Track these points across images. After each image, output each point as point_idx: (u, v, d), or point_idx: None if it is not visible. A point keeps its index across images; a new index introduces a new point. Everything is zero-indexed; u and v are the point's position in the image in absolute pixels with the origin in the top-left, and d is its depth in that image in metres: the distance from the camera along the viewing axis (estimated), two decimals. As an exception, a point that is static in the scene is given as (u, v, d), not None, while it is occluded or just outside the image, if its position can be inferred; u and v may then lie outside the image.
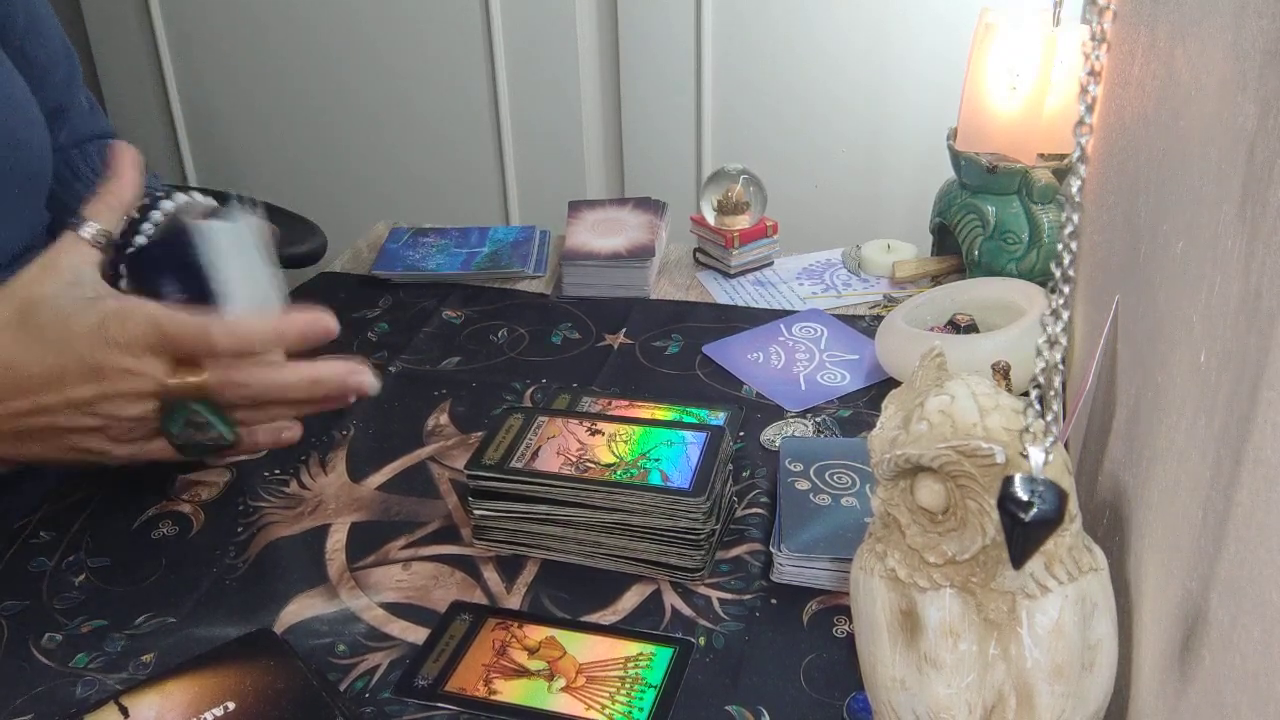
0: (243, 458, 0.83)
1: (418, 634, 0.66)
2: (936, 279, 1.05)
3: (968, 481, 0.44)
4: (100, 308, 0.65)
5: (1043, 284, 0.91)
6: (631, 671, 0.62)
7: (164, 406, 0.65)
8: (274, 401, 0.69)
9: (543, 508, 0.70)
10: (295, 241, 1.58)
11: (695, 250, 1.12)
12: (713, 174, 1.11)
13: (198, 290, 0.70)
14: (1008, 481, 0.38)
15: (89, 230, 0.68)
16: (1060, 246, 0.38)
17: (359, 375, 0.70)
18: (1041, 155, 0.97)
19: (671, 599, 0.68)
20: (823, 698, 0.61)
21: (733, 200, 1.08)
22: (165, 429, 0.66)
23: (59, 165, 0.93)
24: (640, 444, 0.73)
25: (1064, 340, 0.39)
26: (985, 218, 0.98)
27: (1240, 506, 0.35)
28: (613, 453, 0.72)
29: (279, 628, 0.67)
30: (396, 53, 1.97)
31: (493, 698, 0.61)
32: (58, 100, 0.91)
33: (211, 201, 0.79)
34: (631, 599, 0.68)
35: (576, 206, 1.16)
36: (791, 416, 0.86)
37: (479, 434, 0.85)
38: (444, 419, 0.88)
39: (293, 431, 0.72)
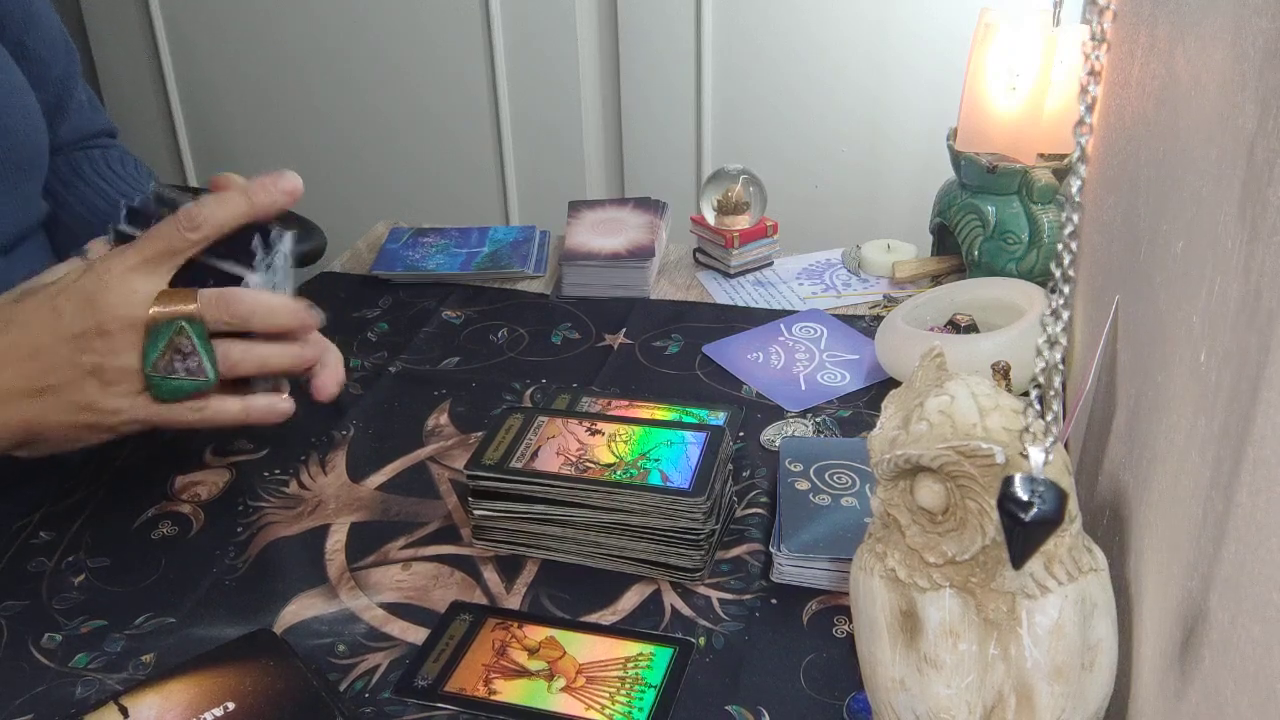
0: (241, 457, 0.83)
1: (418, 634, 0.66)
2: (936, 279, 1.05)
3: (968, 482, 0.44)
4: (89, 263, 0.67)
5: (1043, 284, 0.91)
6: (631, 672, 0.62)
7: (149, 329, 0.65)
8: (258, 333, 0.69)
9: (542, 508, 0.70)
10: (295, 241, 1.58)
11: (695, 250, 1.12)
12: (713, 174, 1.11)
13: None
14: (1008, 481, 0.38)
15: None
16: (1060, 246, 0.38)
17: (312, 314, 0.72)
18: (1041, 155, 0.97)
19: (671, 599, 0.68)
20: (823, 698, 0.61)
21: (733, 200, 1.08)
22: (145, 357, 0.66)
23: (61, 164, 0.93)
24: (640, 444, 0.73)
25: (1064, 340, 0.39)
26: (985, 218, 0.98)
27: (1240, 506, 0.35)
28: (612, 453, 0.72)
29: (279, 628, 0.67)
30: (396, 53, 1.97)
31: (493, 698, 0.61)
32: (57, 94, 0.91)
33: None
34: (631, 599, 0.68)
35: (576, 206, 1.16)
36: (791, 416, 0.86)
37: (479, 434, 0.85)
38: (444, 419, 0.88)
39: (287, 404, 0.73)
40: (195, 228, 0.67)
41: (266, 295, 0.70)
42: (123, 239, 0.70)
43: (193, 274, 0.69)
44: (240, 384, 0.73)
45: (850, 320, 1.00)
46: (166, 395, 0.67)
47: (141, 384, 0.67)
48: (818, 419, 0.86)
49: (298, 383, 0.77)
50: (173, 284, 0.68)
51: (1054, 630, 0.44)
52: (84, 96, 0.96)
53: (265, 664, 0.62)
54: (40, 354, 0.66)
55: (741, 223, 1.08)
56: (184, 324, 0.66)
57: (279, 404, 0.73)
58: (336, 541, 0.74)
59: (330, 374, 0.77)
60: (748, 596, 0.68)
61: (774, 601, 0.68)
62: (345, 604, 0.69)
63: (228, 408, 0.70)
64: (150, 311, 0.65)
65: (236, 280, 0.70)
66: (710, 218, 1.09)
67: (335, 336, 0.77)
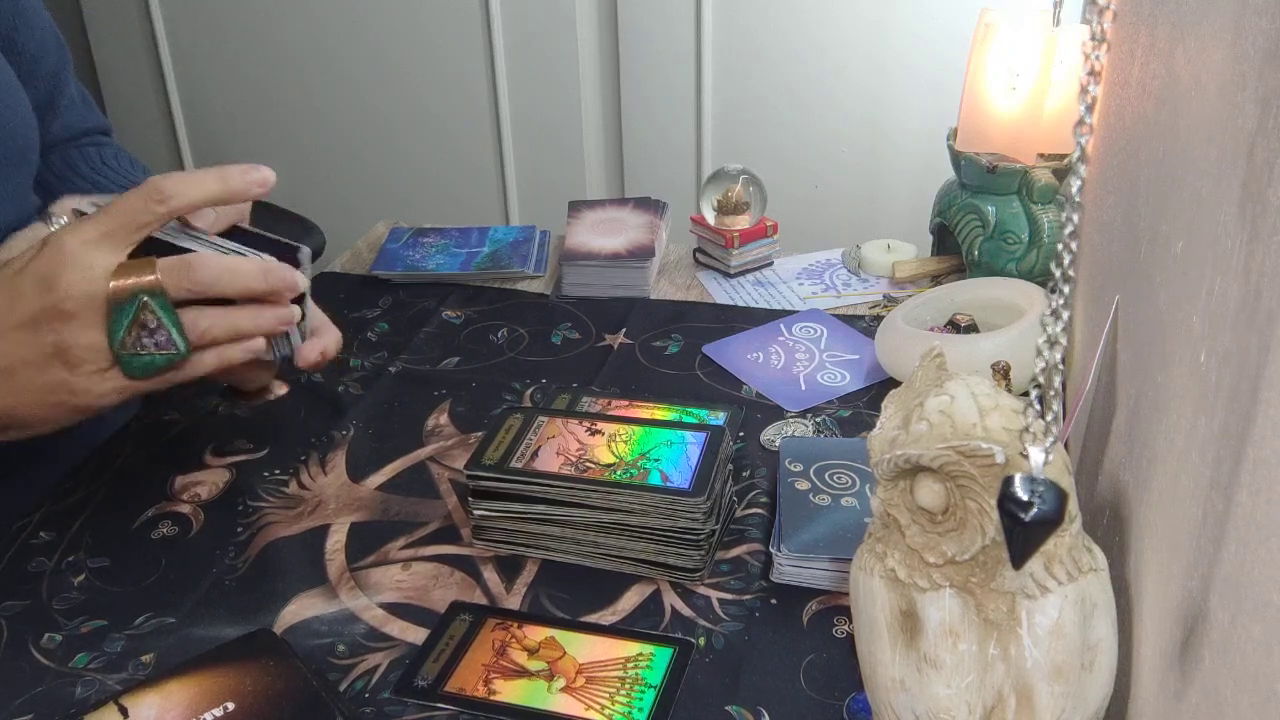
0: (241, 457, 0.83)
1: (417, 634, 0.66)
2: (936, 279, 1.05)
3: (968, 482, 0.44)
4: (46, 239, 0.65)
5: (1043, 284, 0.91)
6: (631, 672, 0.62)
7: (111, 307, 0.63)
8: (226, 297, 0.66)
9: (542, 508, 0.70)
10: (292, 240, 1.58)
11: (695, 250, 1.12)
12: (713, 174, 1.11)
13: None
14: (1008, 481, 0.38)
15: (58, 223, 0.68)
16: (1060, 246, 0.38)
17: (295, 273, 0.69)
18: (1041, 155, 0.97)
19: (671, 599, 0.68)
20: (823, 698, 0.61)
21: (733, 200, 1.08)
22: (111, 336, 0.64)
23: (56, 160, 0.93)
24: (640, 444, 0.73)
25: (1064, 340, 0.39)
26: (985, 218, 0.98)
27: (1240, 506, 0.35)
28: (612, 453, 0.72)
29: (279, 628, 0.67)
30: (397, 53, 1.97)
31: (492, 698, 0.61)
32: (48, 91, 0.91)
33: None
34: (631, 599, 0.68)
35: (576, 206, 1.16)
36: (791, 416, 0.86)
37: (479, 434, 0.85)
38: (444, 419, 0.88)
39: (283, 387, 0.72)
40: (162, 200, 0.64)
41: (230, 258, 0.67)
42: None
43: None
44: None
45: (850, 320, 1.00)
46: (139, 373, 0.65)
47: (110, 360, 0.64)
48: (818, 419, 0.86)
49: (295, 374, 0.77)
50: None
51: (1054, 630, 0.44)
52: (76, 94, 0.96)
53: (265, 664, 0.62)
54: (1, 336, 0.64)
55: (741, 223, 1.08)
56: (145, 297, 0.63)
57: (255, 343, 0.69)
58: (336, 541, 0.74)
59: (315, 343, 0.74)
60: (748, 596, 0.68)
61: (774, 601, 0.68)
62: (345, 604, 0.69)
63: (205, 359, 0.68)
64: (110, 286, 0.63)
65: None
66: (710, 218, 1.09)
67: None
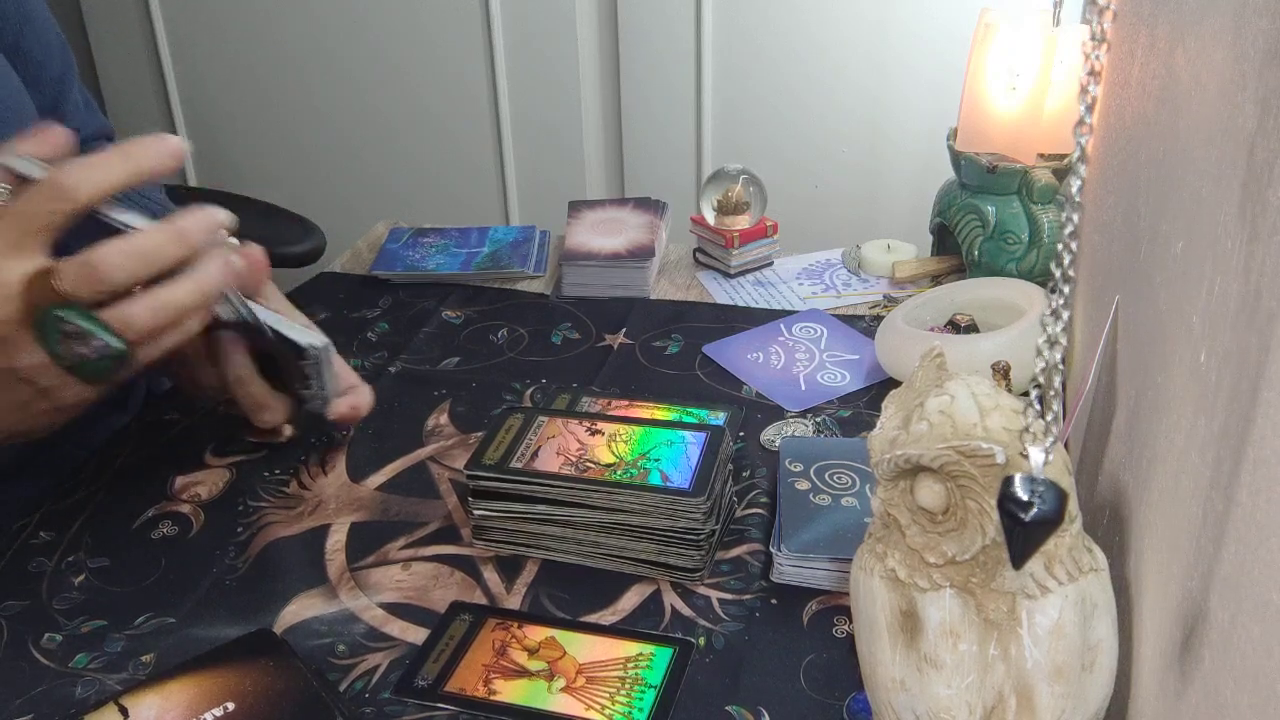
0: (241, 457, 0.83)
1: (417, 634, 0.66)
2: (936, 279, 1.05)
3: (968, 482, 0.44)
4: None
5: (1043, 284, 0.91)
6: (631, 672, 0.62)
7: (35, 323, 0.59)
8: (142, 280, 0.60)
9: (542, 508, 0.70)
10: (295, 241, 1.58)
11: (695, 250, 1.12)
12: (713, 174, 1.11)
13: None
14: (1008, 481, 0.38)
15: None
16: (1060, 246, 0.38)
17: (213, 214, 0.63)
18: (1041, 155, 0.97)
19: (671, 599, 0.68)
20: (823, 698, 0.61)
21: (733, 200, 1.08)
22: (49, 350, 0.59)
23: None
24: (640, 444, 0.73)
25: (1064, 340, 0.39)
26: (985, 218, 0.98)
27: (1240, 506, 0.35)
28: (612, 453, 0.72)
29: (279, 628, 0.67)
30: (396, 52, 1.97)
31: (493, 698, 0.61)
32: (52, 96, 0.91)
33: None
34: (631, 599, 0.68)
35: (576, 206, 1.16)
36: (791, 416, 0.86)
37: (479, 434, 0.85)
38: (444, 419, 0.88)
39: (291, 431, 0.72)
40: (64, 198, 0.58)
41: (134, 237, 0.60)
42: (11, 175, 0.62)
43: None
44: (279, 386, 0.74)
45: (850, 320, 1.00)
46: (92, 377, 0.61)
47: (61, 372, 0.61)
48: (818, 419, 0.86)
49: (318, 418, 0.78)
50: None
51: (1054, 630, 0.44)
52: (80, 98, 0.95)
53: (265, 664, 0.62)
54: None
55: (741, 223, 1.08)
56: (57, 312, 0.58)
57: (208, 280, 0.63)
58: (336, 541, 0.74)
59: (347, 399, 0.78)
60: (748, 596, 0.68)
61: (774, 601, 0.68)
62: (345, 604, 0.69)
63: (159, 346, 0.63)
64: (22, 304, 0.58)
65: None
66: (710, 218, 1.09)
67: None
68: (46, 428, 0.66)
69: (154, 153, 0.61)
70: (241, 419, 0.78)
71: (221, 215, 0.64)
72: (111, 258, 0.59)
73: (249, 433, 0.82)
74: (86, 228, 0.61)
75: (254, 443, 0.84)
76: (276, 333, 0.72)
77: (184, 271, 0.62)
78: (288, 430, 0.81)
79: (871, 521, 0.50)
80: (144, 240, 0.60)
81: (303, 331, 0.74)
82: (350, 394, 0.80)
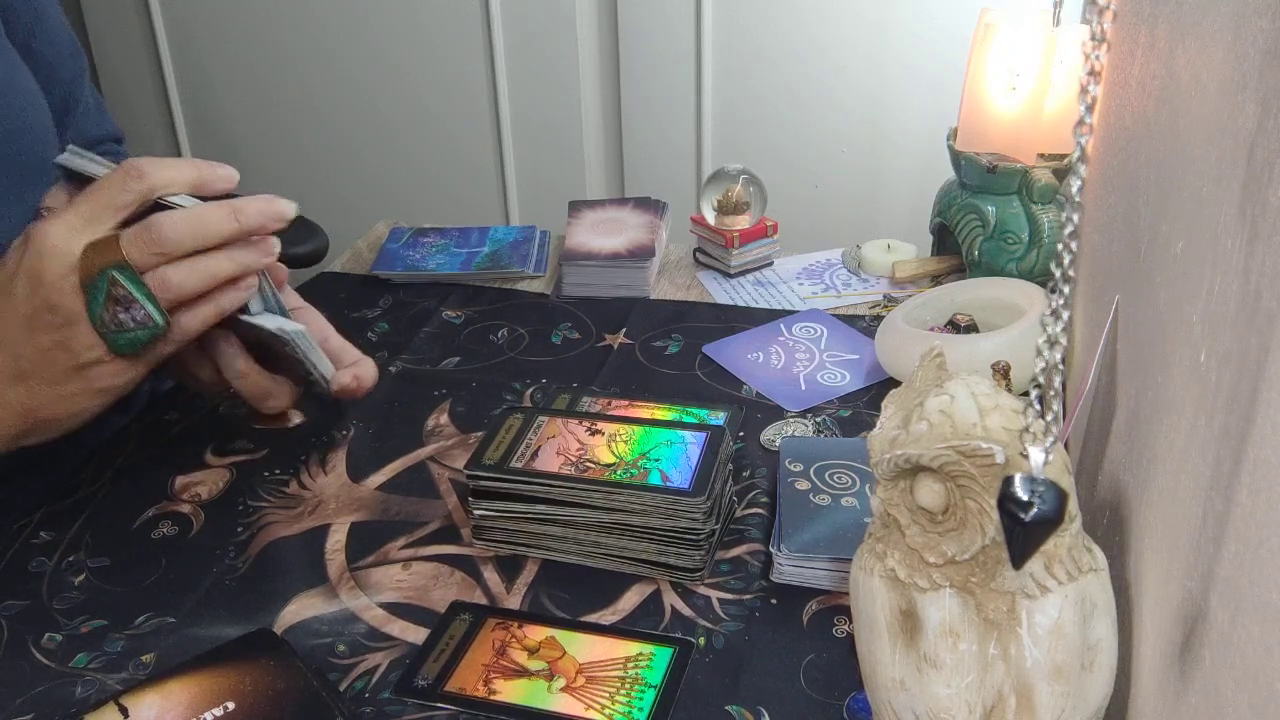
0: (241, 457, 0.83)
1: (418, 634, 0.66)
2: (936, 279, 1.05)
3: (968, 481, 0.44)
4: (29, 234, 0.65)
5: (1043, 284, 0.91)
6: (631, 671, 0.62)
7: (85, 288, 0.63)
8: (194, 248, 0.65)
9: (542, 508, 0.70)
10: (295, 241, 1.58)
11: (695, 250, 1.12)
12: (713, 174, 1.11)
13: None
14: (1008, 481, 0.38)
15: None
16: (1060, 246, 0.38)
17: (277, 204, 0.67)
18: (1041, 155, 0.97)
19: (671, 599, 0.68)
20: (823, 698, 0.61)
21: (733, 200, 1.08)
22: (91, 316, 0.63)
23: None
24: (640, 444, 0.73)
25: (1064, 340, 0.39)
26: (985, 218, 0.98)
27: (1240, 506, 0.35)
28: (612, 453, 0.72)
29: (279, 628, 0.67)
30: (396, 52, 1.97)
31: (492, 698, 0.61)
32: (63, 98, 0.91)
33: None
34: (631, 599, 0.68)
35: (576, 206, 1.16)
36: (791, 416, 0.86)
37: (479, 434, 0.85)
38: (444, 419, 0.88)
39: (299, 417, 0.73)
40: (140, 177, 0.64)
41: (193, 208, 0.65)
42: (72, 176, 0.68)
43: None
44: (277, 368, 0.74)
45: (850, 320, 1.00)
46: (126, 349, 0.65)
47: (105, 345, 0.65)
48: (818, 419, 0.86)
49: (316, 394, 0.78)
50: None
51: (1054, 630, 0.44)
52: (91, 100, 0.95)
53: (265, 664, 0.62)
54: (5, 342, 0.65)
55: (741, 223, 1.08)
56: (113, 271, 0.63)
57: (245, 289, 0.69)
58: (336, 541, 0.74)
59: (347, 370, 0.78)
60: (748, 596, 0.68)
61: (774, 601, 0.68)
62: (345, 604, 0.69)
63: (200, 313, 0.67)
64: (80, 268, 0.63)
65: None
66: (710, 218, 1.09)
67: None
68: (74, 417, 0.68)
69: (215, 173, 0.68)
70: (247, 410, 0.79)
71: (283, 206, 0.68)
72: (170, 219, 0.64)
73: (257, 420, 0.82)
74: None
75: (262, 430, 0.84)
76: (254, 325, 0.72)
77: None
78: (296, 417, 0.81)
79: (871, 521, 0.50)
80: (202, 211, 0.65)
81: (277, 319, 0.74)
82: (353, 366, 0.80)
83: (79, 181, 0.69)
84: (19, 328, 0.64)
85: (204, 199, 0.69)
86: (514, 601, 0.69)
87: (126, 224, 0.66)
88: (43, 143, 0.83)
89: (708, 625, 0.66)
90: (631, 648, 0.64)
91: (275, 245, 0.69)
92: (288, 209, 0.68)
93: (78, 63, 0.92)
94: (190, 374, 0.78)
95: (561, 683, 0.62)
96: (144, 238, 0.64)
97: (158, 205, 0.67)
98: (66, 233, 0.63)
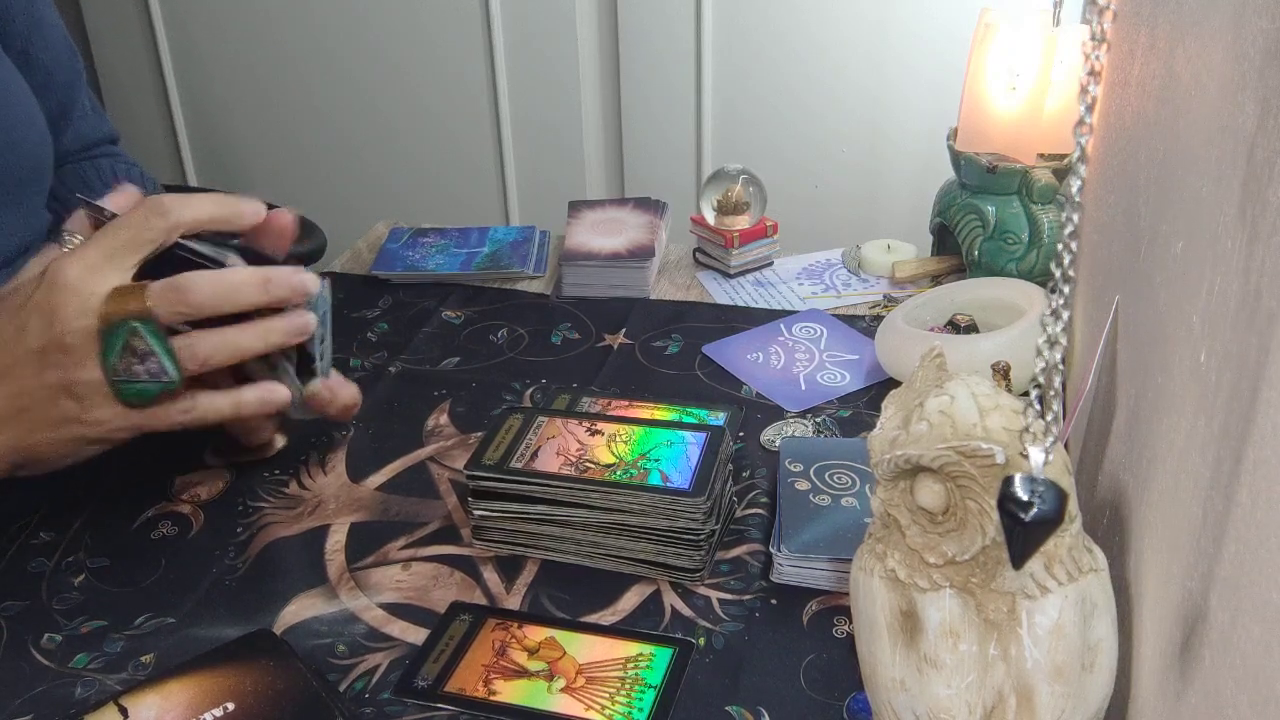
0: (242, 458, 0.83)
1: (417, 634, 0.66)
2: (936, 279, 1.05)
3: (968, 482, 0.44)
4: (46, 261, 0.65)
5: (1043, 284, 0.91)
6: (631, 672, 0.62)
7: (103, 333, 0.62)
8: (223, 316, 0.65)
9: (542, 508, 0.70)
10: (298, 241, 1.58)
11: (695, 250, 1.12)
12: (713, 174, 1.11)
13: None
14: (1008, 482, 0.38)
15: (71, 243, 0.67)
16: (1060, 246, 0.38)
17: (305, 281, 0.67)
18: (1041, 155, 0.97)
19: (671, 599, 0.68)
20: (823, 698, 0.61)
21: (733, 200, 1.08)
22: (104, 362, 0.62)
23: (67, 175, 0.93)
24: (640, 444, 0.73)
25: (1064, 340, 0.39)
26: (985, 218, 0.98)
27: (1240, 506, 0.35)
28: (612, 453, 0.72)
29: (278, 628, 0.67)
30: (396, 53, 1.97)
31: (492, 698, 0.61)
32: (61, 102, 0.90)
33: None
34: (631, 599, 0.68)
35: (576, 206, 1.16)
36: (791, 416, 0.86)
37: (479, 434, 0.85)
38: (443, 419, 0.88)
39: (281, 391, 0.70)
40: (164, 215, 0.63)
41: (224, 272, 0.65)
42: (94, 211, 0.67)
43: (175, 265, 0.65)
44: (240, 377, 0.70)
45: (850, 320, 1.00)
46: (133, 399, 0.64)
47: (111, 391, 0.63)
48: (818, 419, 0.86)
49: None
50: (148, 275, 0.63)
51: (1054, 630, 0.44)
52: (88, 104, 0.95)
53: (265, 664, 0.62)
54: (8, 375, 0.63)
55: (741, 223, 1.08)
56: (135, 324, 0.62)
57: (273, 393, 0.69)
58: (336, 541, 0.74)
59: (302, 277, 0.71)
60: (748, 597, 0.68)
61: (774, 602, 0.68)
62: (345, 604, 0.69)
63: (217, 404, 0.67)
64: (102, 312, 0.62)
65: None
66: (710, 218, 1.09)
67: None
68: (64, 458, 0.68)
69: (241, 208, 0.67)
70: (225, 443, 0.78)
71: (311, 284, 0.68)
72: (199, 282, 0.63)
73: (236, 455, 0.81)
74: (172, 263, 0.65)
75: (242, 461, 0.83)
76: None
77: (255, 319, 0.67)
78: (279, 442, 0.81)
79: (871, 521, 0.50)
80: (232, 276, 0.65)
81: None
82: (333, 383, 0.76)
83: (98, 214, 0.68)
84: (28, 364, 0.63)
85: (226, 236, 0.68)
86: (514, 602, 0.69)
87: (148, 268, 0.65)
88: (38, 151, 0.83)
89: (708, 625, 0.66)
90: (631, 648, 0.64)
91: (310, 324, 0.68)
92: (313, 285, 0.68)
93: (75, 67, 0.92)
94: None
95: (561, 683, 0.62)
96: (171, 297, 0.63)
97: (178, 245, 0.66)
98: (85, 271, 0.62)
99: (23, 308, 0.63)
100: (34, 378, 0.63)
